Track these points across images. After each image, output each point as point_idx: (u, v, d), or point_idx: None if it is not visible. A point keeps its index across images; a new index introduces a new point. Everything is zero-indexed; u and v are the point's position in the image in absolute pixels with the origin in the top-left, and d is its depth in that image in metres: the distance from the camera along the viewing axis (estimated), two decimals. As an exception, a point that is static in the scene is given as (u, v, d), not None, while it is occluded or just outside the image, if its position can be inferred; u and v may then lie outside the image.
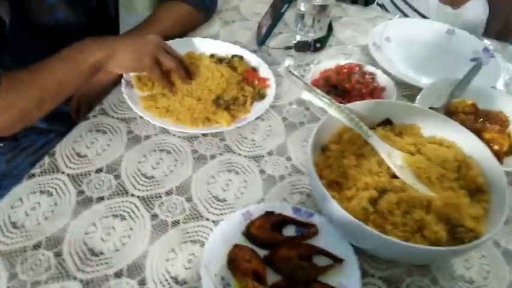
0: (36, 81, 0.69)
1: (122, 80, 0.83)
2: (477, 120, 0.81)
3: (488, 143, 0.77)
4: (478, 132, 0.78)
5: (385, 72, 0.91)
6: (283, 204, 0.67)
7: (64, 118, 0.93)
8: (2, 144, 0.86)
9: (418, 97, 0.85)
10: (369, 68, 0.91)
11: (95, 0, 0.90)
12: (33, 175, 0.69)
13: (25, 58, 0.71)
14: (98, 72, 0.75)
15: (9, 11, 0.70)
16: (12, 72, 0.69)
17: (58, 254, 0.59)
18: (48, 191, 0.67)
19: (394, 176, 0.63)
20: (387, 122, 0.73)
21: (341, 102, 0.81)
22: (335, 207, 0.56)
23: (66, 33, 0.80)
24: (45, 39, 0.80)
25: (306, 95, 0.68)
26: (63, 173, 0.70)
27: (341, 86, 0.85)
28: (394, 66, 0.97)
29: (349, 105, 0.71)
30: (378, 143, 0.65)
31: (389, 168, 0.64)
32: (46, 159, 0.71)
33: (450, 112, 0.84)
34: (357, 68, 0.89)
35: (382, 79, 0.89)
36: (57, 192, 0.67)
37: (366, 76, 0.87)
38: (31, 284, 0.56)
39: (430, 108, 0.82)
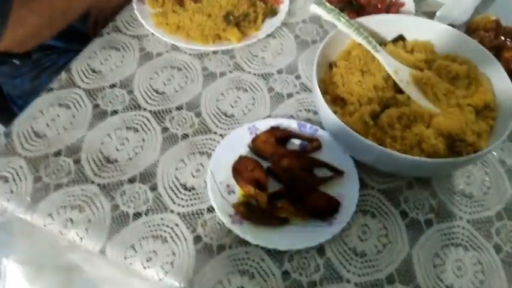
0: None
1: (133, -4, 0.83)
2: (498, 37, 0.77)
3: (507, 61, 0.74)
4: (498, 50, 0.75)
5: (406, -13, 0.86)
6: (289, 120, 0.69)
7: (81, 37, 0.94)
8: (17, 61, 0.89)
9: (438, 13, 0.81)
10: (388, -18, 0.86)
11: None
12: (52, 89, 0.73)
13: None
14: None
15: None
16: None
17: (77, 161, 0.64)
18: (66, 104, 0.71)
19: (399, 92, 0.63)
20: (399, 39, 0.71)
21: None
22: (335, 120, 0.57)
23: None
24: None
25: (315, 8, 0.66)
26: (79, 87, 0.73)
27: (356, 2, 0.82)
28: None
29: (360, 19, 0.69)
30: (386, 58, 0.64)
31: (395, 84, 0.63)
32: (63, 75, 0.74)
33: (471, 29, 0.80)
34: (375, -18, 0.84)
35: (402, -6, 0.85)
36: (74, 105, 0.71)
37: (384, -10, 0.82)
38: (54, 186, 0.62)
39: (450, 25, 0.79)
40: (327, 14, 0.66)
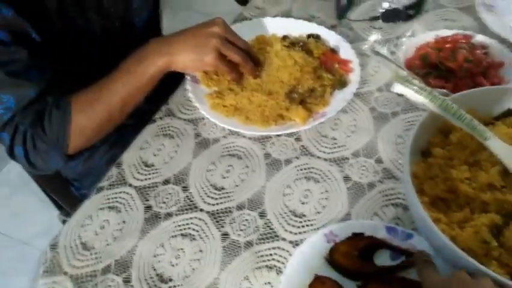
0: (101, 102, 0.68)
1: (187, 76, 0.76)
2: None
3: None
4: None
5: (501, 41, 0.73)
6: (375, 223, 0.56)
7: (134, 111, 0.90)
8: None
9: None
10: (479, 39, 0.72)
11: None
12: (102, 188, 0.66)
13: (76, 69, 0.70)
14: (162, 75, 0.70)
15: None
16: (78, 94, 0.69)
17: (127, 280, 0.56)
18: (116, 207, 0.64)
19: (525, 193, 0.48)
20: (509, 113, 0.57)
21: (443, 87, 0.67)
22: (441, 238, 0.43)
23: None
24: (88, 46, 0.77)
25: (399, 88, 0.55)
26: (130, 185, 0.66)
27: (443, 66, 0.69)
28: (513, 30, 0.77)
29: (457, 96, 0.55)
30: (499, 146, 0.50)
31: (516, 181, 0.49)
32: (114, 171, 0.68)
33: None
34: (463, 41, 0.71)
35: (497, 51, 0.71)
36: (125, 208, 0.63)
37: (477, 51, 0.69)
38: (101, 315, 0.53)
39: None
40: (415, 94, 0.53)
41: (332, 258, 0.53)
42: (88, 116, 0.68)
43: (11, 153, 0.68)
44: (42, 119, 0.66)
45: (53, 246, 0.60)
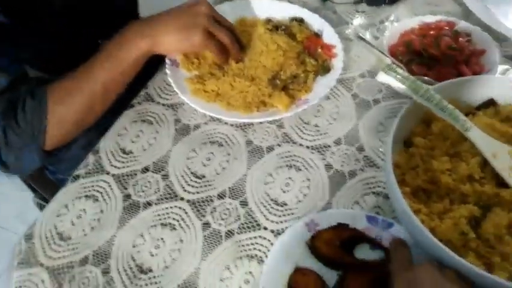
0: (81, 90, 0.64)
1: (167, 60, 0.74)
2: None
3: None
4: None
5: (485, 28, 0.72)
6: (355, 212, 0.56)
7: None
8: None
9: (530, 61, 0.66)
10: (463, 25, 0.72)
11: None
12: (78, 176, 0.64)
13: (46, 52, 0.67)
14: (147, 58, 0.67)
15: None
16: (55, 83, 0.65)
17: (106, 271, 0.55)
18: (93, 195, 0.62)
19: (503, 184, 0.49)
20: (490, 104, 0.57)
21: (425, 74, 0.66)
22: (420, 229, 0.44)
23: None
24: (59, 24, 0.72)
25: (384, 77, 0.54)
26: (108, 173, 0.64)
27: (426, 53, 0.68)
28: (499, 17, 0.77)
29: (440, 85, 0.55)
30: (480, 138, 0.51)
31: (496, 173, 0.49)
32: (90, 158, 0.66)
33: None
34: (447, 28, 0.70)
35: (480, 39, 0.71)
36: (102, 196, 0.62)
37: (460, 38, 0.68)
38: (79, 307, 0.52)
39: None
40: (400, 84, 0.53)
41: (314, 245, 0.53)
42: (67, 105, 0.63)
43: None
44: (15, 108, 0.61)
45: (28, 237, 0.58)
